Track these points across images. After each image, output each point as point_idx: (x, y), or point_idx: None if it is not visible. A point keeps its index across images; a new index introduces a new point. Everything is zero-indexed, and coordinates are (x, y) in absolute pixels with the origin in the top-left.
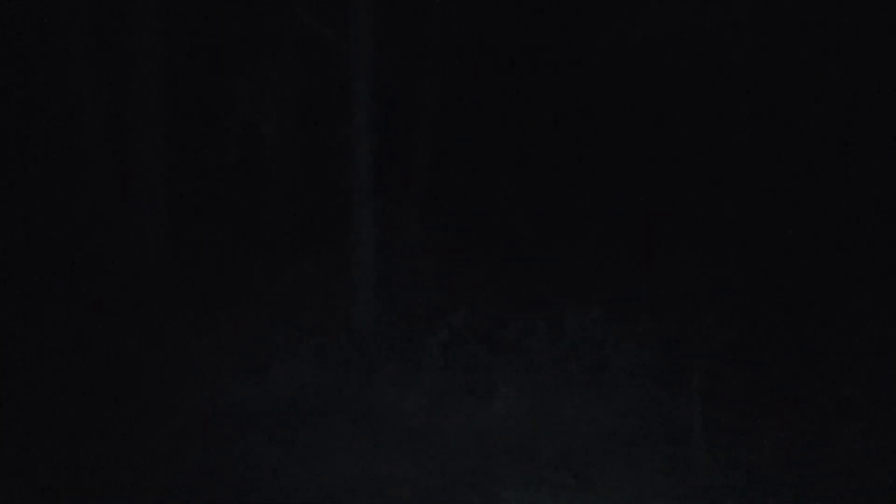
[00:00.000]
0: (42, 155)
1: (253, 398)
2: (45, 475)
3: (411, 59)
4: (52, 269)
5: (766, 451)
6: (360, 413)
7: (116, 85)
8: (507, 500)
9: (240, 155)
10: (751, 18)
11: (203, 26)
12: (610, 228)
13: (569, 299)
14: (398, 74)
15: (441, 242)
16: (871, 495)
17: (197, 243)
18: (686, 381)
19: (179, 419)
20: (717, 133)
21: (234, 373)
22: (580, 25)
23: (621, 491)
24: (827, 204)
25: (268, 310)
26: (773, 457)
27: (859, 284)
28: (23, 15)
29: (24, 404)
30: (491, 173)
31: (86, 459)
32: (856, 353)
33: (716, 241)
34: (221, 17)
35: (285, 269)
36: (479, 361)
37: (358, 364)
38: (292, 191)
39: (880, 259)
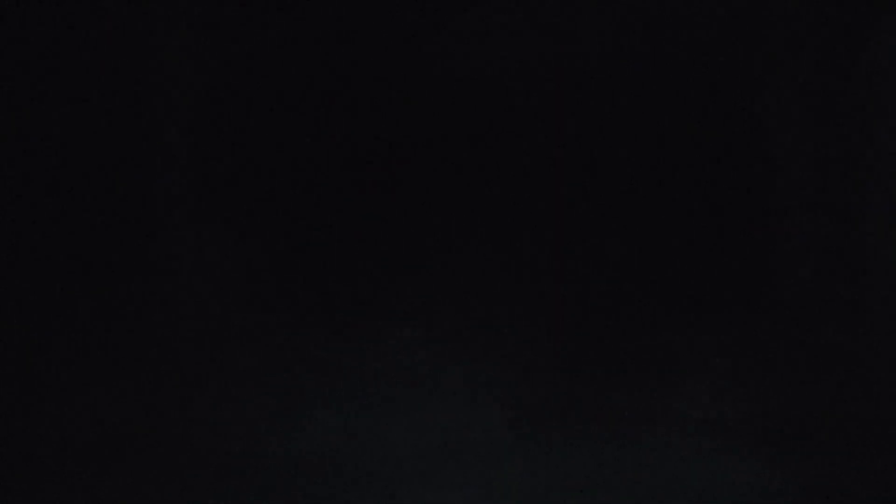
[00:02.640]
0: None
1: None
2: None
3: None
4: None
5: (578, 459)
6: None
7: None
8: None
9: None
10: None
11: None
12: (426, 246)
13: (386, 316)
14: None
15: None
16: (673, 495)
17: None
18: (498, 394)
19: None
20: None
21: None
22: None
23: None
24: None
25: None
26: (584, 464)
27: (671, 293)
28: None
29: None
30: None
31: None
32: (666, 363)
33: (525, 255)
34: None
35: None
36: (295, 383)
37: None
38: None
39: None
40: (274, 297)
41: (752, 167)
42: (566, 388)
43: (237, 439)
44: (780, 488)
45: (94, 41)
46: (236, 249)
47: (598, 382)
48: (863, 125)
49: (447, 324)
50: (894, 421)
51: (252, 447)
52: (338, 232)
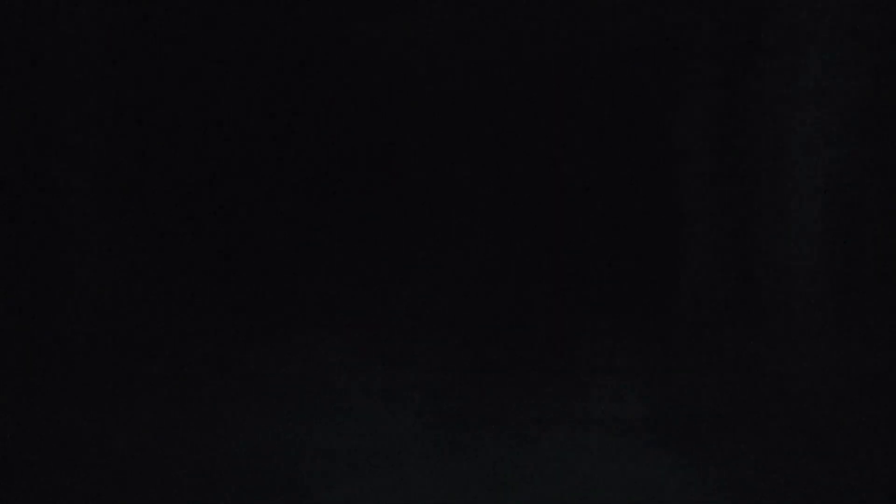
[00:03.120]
0: None
1: None
2: None
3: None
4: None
5: (487, 459)
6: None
7: None
8: None
9: None
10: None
11: None
12: (340, 245)
13: (304, 320)
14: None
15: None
16: (579, 493)
17: None
18: (410, 397)
19: None
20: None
21: None
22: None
23: None
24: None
25: None
26: (493, 464)
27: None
28: None
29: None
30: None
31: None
32: (571, 365)
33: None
34: None
35: None
36: (209, 387)
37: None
38: None
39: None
40: (186, 301)
41: (656, 174)
42: (475, 390)
43: (141, 443)
44: (680, 486)
45: None
46: (143, 252)
47: (506, 384)
48: (765, 136)
49: (359, 329)
50: (790, 419)
51: (163, 450)
52: (254, 235)
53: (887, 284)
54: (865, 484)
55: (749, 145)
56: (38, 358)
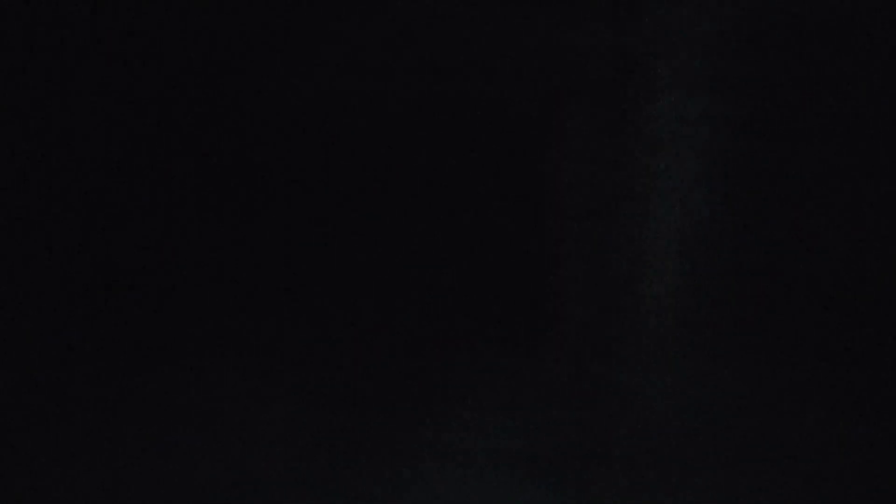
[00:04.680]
0: None
1: None
2: None
3: None
4: None
5: (362, 492)
6: None
7: None
8: None
9: None
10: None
11: None
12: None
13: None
14: None
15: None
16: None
17: None
18: (281, 431)
19: None
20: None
21: None
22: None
23: None
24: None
25: None
26: (366, 498)
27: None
28: None
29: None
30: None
31: None
32: (443, 398)
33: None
34: None
35: None
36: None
37: None
38: None
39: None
40: (62, 328)
41: (529, 203)
42: (340, 423)
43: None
44: None
45: None
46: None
47: (380, 418)
48: (640, 170)
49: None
50: (666, 450)
51: (35, 486)
52: (137, 257)
53: (755, 317)
54: None
55: (622, 184)
56: None
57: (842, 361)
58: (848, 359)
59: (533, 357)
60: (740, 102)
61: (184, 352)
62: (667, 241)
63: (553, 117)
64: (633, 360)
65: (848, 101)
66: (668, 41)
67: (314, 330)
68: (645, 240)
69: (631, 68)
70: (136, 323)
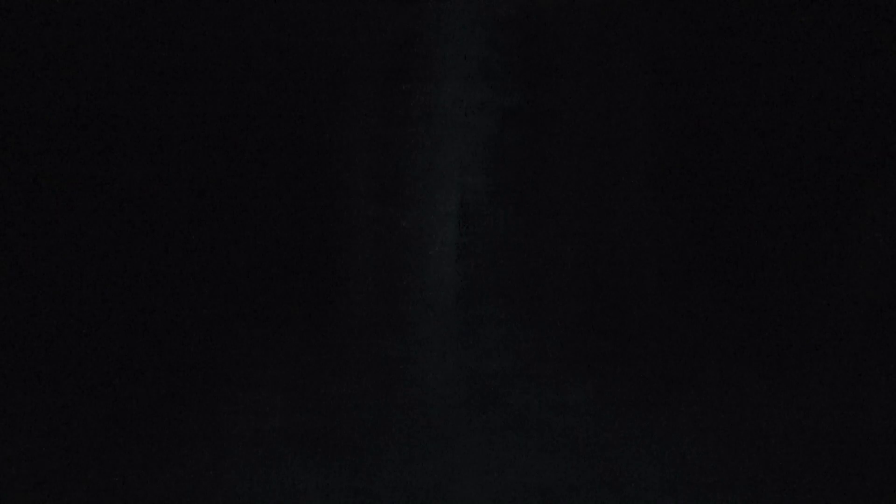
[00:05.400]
0: None
1: None
2: None
3: None
4: None
5: (116, 474)
6: None
7: None
8: None
9: None
10: None
11: None
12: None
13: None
14: None
15: None
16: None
17: None
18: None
19: None
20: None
21: None
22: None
23: None
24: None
25: None
26: (130, 481)
27: None
28: None
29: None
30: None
31: None
32: (235, 378)
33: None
34: None
35: None
36: None
37: None
38: None
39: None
40: None
41: (313, 190)
42: (102, 401)
43: None
44: (318, 492)
45: None
46: None
47: (139, 397)
48: (411, 158)
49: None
50: (441, 422)
51: None
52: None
53: (527, 293)
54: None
55: (404, 167)
56: None
57: (608, 334)
58: (613, 329)
59: (316, 336)
60: (516, 91)
61: None
62: (446, 222)
63: (335, 102)
64: (412, 336)
65: (623, 93)
66: (450, 28)
67: (78, 309)
68: (425, 221)
69: (413, 54)
70: None
